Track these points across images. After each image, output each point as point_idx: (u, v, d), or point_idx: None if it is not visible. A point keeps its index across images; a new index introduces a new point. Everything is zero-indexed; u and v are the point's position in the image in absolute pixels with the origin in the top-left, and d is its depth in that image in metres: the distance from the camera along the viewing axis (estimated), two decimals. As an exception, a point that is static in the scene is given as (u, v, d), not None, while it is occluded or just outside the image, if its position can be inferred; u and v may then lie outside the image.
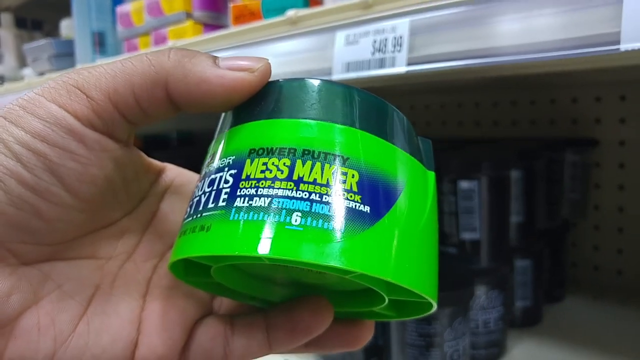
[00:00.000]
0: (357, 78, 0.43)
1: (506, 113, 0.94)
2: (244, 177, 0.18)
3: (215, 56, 0.21)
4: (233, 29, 0.60)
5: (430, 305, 0.21)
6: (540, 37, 0.33)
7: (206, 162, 0.21)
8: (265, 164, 0.18)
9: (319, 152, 0.18)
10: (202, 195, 0.19)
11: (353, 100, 0.19)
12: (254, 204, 0.17)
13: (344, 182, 0.17)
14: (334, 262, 0.16)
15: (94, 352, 0.21)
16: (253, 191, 0.18)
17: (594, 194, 0.84)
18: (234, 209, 0.18)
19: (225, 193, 0.18)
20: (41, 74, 1.12)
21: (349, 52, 0.43)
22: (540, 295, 0.71)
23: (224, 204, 0.18)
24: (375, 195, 0.18)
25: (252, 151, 0.19)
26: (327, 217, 0.17)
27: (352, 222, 0.17)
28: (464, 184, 0.59)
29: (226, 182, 0.19)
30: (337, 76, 0.44)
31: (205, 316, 0.24)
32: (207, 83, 0.20)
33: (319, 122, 0.19)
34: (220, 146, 0.21)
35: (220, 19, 0.78)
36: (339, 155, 0.18)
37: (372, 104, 0.20)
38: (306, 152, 0.18)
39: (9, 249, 0.20)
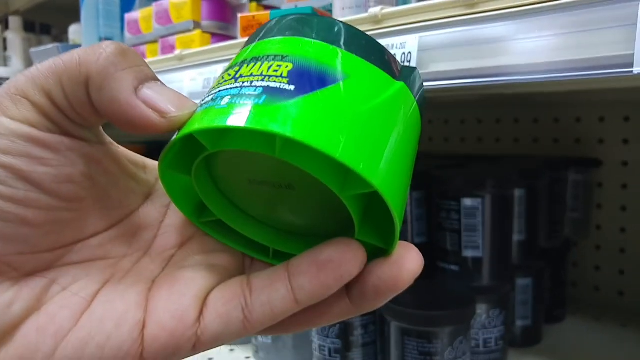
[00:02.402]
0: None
1: (509, 130, 0.94)
2: (210, 88, 0.22)
3: (147, 76, 0.20)
4: (241, 39, 0.60)
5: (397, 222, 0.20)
6: (551, 58, 0.33)
7: None
8: (222, 77, 0.22)
9: (264, 55, 0.21)
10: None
11: (307, 21, 0.22)
12: (202, 102, 0.21)
13: (276, 71, 0.20)
14: (245, 124, 0.18)
15: (99, 340, 0.20)
16: (207, 95, 0.21)
17: (596, 213, 0.84)
18: (197, 108, 0.21)
19: (201, 100, 0.22)
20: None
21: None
22: (541, 314, 0.71)
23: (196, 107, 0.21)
24: (304, 79, 0.20)
25: (220, 75, 0.22)
26: (250, 96, 0.19)
27: (273, 96, 0.19)
28: (468, 202, 0.59)
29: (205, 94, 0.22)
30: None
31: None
32: (116, 105, 0.19)
33: (274, 38, 0.22)
34: None
35: (229, 29, 0.78)
36: (278, 55, 0.21)
37: (326, 22, 0.22)
38: (254, 58, 0.21)
39: (5, 262, 0.20)
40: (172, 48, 0.78)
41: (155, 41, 0.83)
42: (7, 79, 1.46)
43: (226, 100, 0.19)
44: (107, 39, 0.97)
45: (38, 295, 0.21)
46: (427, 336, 0.52)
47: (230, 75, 0.21)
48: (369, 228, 0.22)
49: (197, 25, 0.76)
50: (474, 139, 0.99)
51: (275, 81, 0.19)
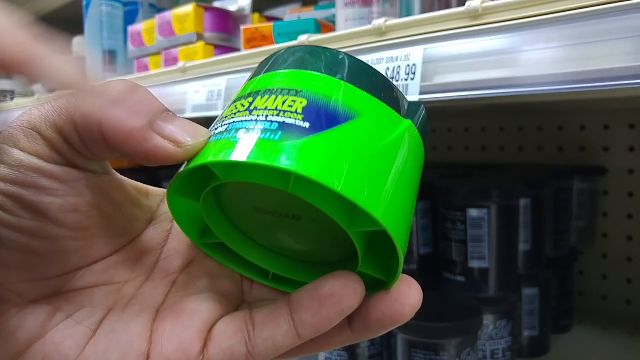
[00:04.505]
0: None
1: (513, 139, 0.94)
2: (221, 117, 0.22)
3: (159, 109, 0.21)
4: (244, 52, 0.60)
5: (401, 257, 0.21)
6: (557, 70, 0.33)
7: None
8: (235, 105, 0.22)
9: (277, 89, 0.21)
10: None
11: (317, 54, 0.23)
12: (216, 132, 0.21)
13: (291, 107, 0.20)
14: (261, 160, 0.18)
15: None
16: (219, 125, 0.21)
17: (602, 222, 0.84)
18: (210, 137, 0.21)
19: (213, 128, 0.22)
20: (51, 90, 1.12)
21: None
22: (548, 324, 0.70)
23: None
24: (318, 117, 0.20)
25: (232, 103, 0.22)
26: (266, 130, 0.19)
27: (289, 133, 0.19)
28: (474, 212, 0.58)
29: (214, 125, 0.22)
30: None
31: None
32: (132, 140, 0.20)
33: (286, 71, 0.22)
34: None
35: (232, 41, 0.78)
36: (292, 89, 0.21)
37: (338, 57, 0.23)
38: (267, 90, 0.21)
39: (11, 289, 0.20)
40: (175, 60, 0.78)
41: (158, 53, 0.83)
42: (12, 91, 1.47)
43: (241, 133, 0.20)
44: (110, 51, 0.98)
45: (42, 322, 0.21)
46: (434, 348, 0.51)
47: (244, 106, 0.21)
48: (370, 260, 0.23)
49: (200, 37, 0.76)
50: (478, 147, 0.98)
51: (290, 117, 0.20)
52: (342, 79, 0.22)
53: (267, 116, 0.20)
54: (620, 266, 0.83)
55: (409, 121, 0.23)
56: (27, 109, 0.21)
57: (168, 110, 0.21)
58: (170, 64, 0.79)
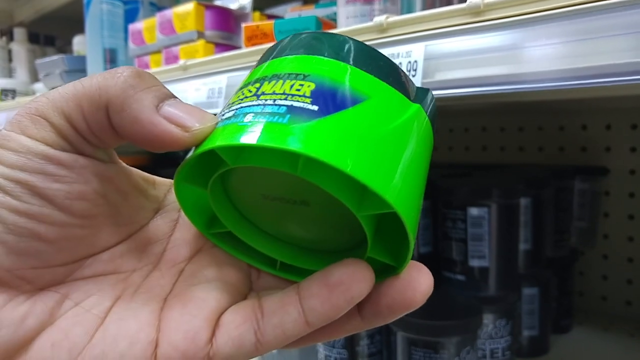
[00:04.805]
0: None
1: (513, 139, 0.94)
2: (228, 103, 0.22)
3: (166, 95, 0.21)
4: (245, 49, 0.60)
5: (408, 239, 0.21)
6: (558, 66, 0.33)
7: None
8: (242, 91, 0.22)
9: (284, 74, 0.21)
10: None
11: (324, 39, 0.23)
12: (223, 117, 0.21)
13: (299, 90, 0.20)
14: (270, 143, 0.18)
15: (112, 358, 0.21)
16: (227, 110, 0.21)
17: (603, 222, 0.83)
18: (218, 122, 0.21)
19: (220, 114, 0.22)
20: (53, 89, 1.12)
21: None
22: (548, 324, 0.70)
23: None
24: (326, 100, 0.20)
25: (239, 89, 0.22)
26: (274, 114, 0.19)
27: (297, 116, 0.19)
28: (474, 211, 0.58)
29: (221, 112, 0.22)
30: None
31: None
32: (139, 125, 0.20)
33: (292, 56, 0.22)
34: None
35: (232, 39, 0.78)
36: (300, 74, 0.21)
37: (343, 40, 0.23)
38: (274, 75, 0.21)
39: (20, 276, 0.20)
40: (176, 58, 0.78)
41: (159, 51, 0.83)
42: (13, 90, 1.47)
43: (249, 117, 0.20)
44: (111, 49, 0.98)
45: (51, 309, 0.21)
46: (433, 346, 0.51)
47: (251, 91, 0.21)
48: (379, 245, 0.22)
49: (200, 35, 0.76)
50: (479, 147, 0.98)
51: (298, 100, 0.20)
52: (350, 62, 0.22)
53: (274, 100, 0.20)
54: (621, 267, 0.83)
55: (418, 105, 0.23)
56: (35, 96, 0.22)
57: (174, 97, 0.21)
58: (171, 62, 0.79)
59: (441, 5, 0.44)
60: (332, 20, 0.61)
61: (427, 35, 0.40)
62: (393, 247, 0.23)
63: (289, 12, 0.76)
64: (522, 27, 0.35)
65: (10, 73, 1.62)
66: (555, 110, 0.87)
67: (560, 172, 0.73)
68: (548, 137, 0.89)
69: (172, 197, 0.26)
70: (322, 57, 0.22)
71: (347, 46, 0.22)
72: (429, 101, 0.24)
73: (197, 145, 0.21)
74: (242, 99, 0.21)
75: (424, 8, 0.49)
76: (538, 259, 0.68)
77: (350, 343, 0.59)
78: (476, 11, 0.37)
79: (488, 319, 0.59)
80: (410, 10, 0.50)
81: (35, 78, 1.44)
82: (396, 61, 0.41)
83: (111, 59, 0.97)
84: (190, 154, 0.21)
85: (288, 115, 0.19)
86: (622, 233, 0.82)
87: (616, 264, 0.83)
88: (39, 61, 1.17)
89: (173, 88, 0.69)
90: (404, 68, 0.40)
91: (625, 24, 0.30)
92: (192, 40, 0.77)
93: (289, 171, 0.20)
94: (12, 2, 1.70)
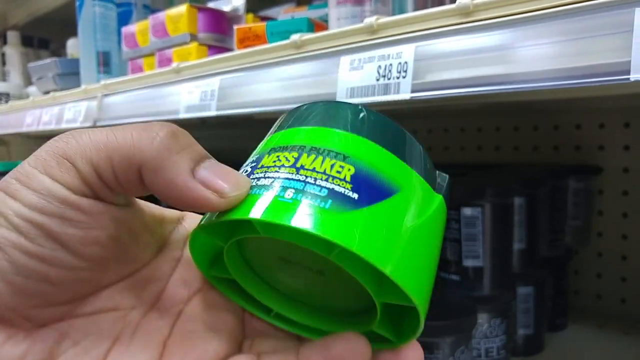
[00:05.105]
0: (360, 104, 0.42)
1: (508, 138, 0.94)
2: (259, 166, 0.21)
3: (201, 156, 0.21)
4: (238, 51, 0.60)
5: (418, 321, 0.21)
6: (548, 65, 0.33)
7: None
8: (278, 156, 0.21)
9: (324, 149, 0.21)
10: None
11: (361, 115, 0.23)
12: (259, 183, 0.20)
13: (339, 172, 0.20)
14: (315, 230, 0.18)
15: None
16: (262, 175, 0.21)
17: (597, 221, 0.84)
18: (251, 188, 0.21)
19: (249, 173, 0.21)
20: (46, 92, 1.12)
21: (353, 77, 0.43)
22: (543, 323, 0.70)
23: None
24: (365, 188, 0.20)
25: (272, 149, 0.22)
26: (316, 196, 0.19)
27: (339, 203, 0.19)
28: (468, 211, 0.58)
29: (245, 172, 0.22)
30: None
31: (232, 355, 0.23)
32: (174, 188, 0.20)
33: (327, 128, 0.22)
34: (255, 149, 0.24)
35: (225, 41, 0.78)
36: (340, 153, 0.21)
37: (381, 121, 0.23)
38: (313, 148, 0.21)
39: (22, 315, 0.20)
40: (169, 61, 0.78)
41: (152, 54, 0.83)
42: (7, 93, 1.47)
43: (290, 194, 0.20)
44: (104, 52, 0.97)
45: (50, 349, 0.21)
46: (428, 346, 0.51)
47: (288, 160, 0.21)
48: (383, 318, 0.23)
49: (193, 37, 0.76)
50: (474, 147, 0.98)
51: (339, 185, 0.20)
52: (387, 148, 0.22)
53: (315, 180, 0.20)
54: (615, 265, 0.83)
55: (441, 197, 0.23)
56: (61, 135, 0.21)
57: (209, 157, 0.21)
58: (164, 64, 0.78)
59: (433, 6, 0.44)
60: (325, 22, 0.61)
61: (417, 36, 0.40)
62: (395, 321, 0.23)
63: (282, 13, 0.76)
64: (511, 27, 0.35)
65: (3, 76, 1.61)
66: (550, 110, 0.88)
67: (554, 172, 0.73)
68: (543, 136, 0.90)
69: (177, 235, 0.26)
70: (362, 138, 0.22)
71: (385, 127, 0.23)
72: (447, 188, 0.24)
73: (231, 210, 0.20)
74: (278, 167, 0.21)
75: (416, 10, 0.49)
76: (533, 258, 0.68)
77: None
78: (465, 12, 0.37)
79: (483, 319, 0.59)
80: (402, 11, 0.50)
81: (29, 81, 1.43)
82: (386, 62, 0.41)
83: (104, 62, 0.97)
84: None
85: (330, 200, 0.19)
86: (616, 231, 0.82)
87: (610, 262, 0.83)
88: (31, 64, 1.17)
89: (166, 91, 0.68)
90: (394, 69, 0.40)
91: (612, 24, 0.30)
92: (185, 43, 0.76)
93: (322, 254, 0.20)
94: (5, 4, 1.69)
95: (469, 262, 0.60)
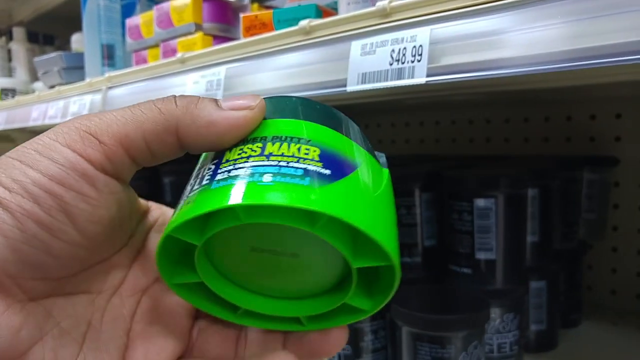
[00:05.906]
0: (373, 89, 0.41)
1: (518, 130, 0.92)
2: (224, 161, 0.22)
3: (213, 98, 0.23)
4: (243, 39, 0.59)
5: (394, 275, 0.23)
6: (566, 46, 0.31)
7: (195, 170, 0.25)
8: (242, 149, 0.22)
9: (286, 137, 0.22)
10: (188, 186, 0.23)
11: (307, 104, 0.25)
12: (231, 174, 0.21)
13: (307, 154, 0.22)
14: (304, 204, 0.19)
15: None
16: (232, 167, 0.22)
17: (612, 214, 0.82)
18: (214, 182, 0.21)
19: (208, 175, 0.22)
20: (52, 87, 1.11)
21: (365, 62, 0.41)
22: (556, 318, 0.69)
23: (207, 182, 0.22)
24: (334, 165, 0.22)
25: (232, 146, 0.23)
26: (294, 175, 0.20)
27: (316, 179, 0.21)
28: (481, 202, 0.57)
29: (209, 169, 0.23)
30: (351, 88, 0.42)
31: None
32: (215, 125, 0.22)
33: (283, 119, 0.24)
34: (201, 157, 0.26)
35: (231, 31, 0.77)
36: (302, 138, 0.22)
37: (325, 108, 0.25)
38: (275, 137, 0.23)
39: (19, 284, 0.21)
40: (173, 52, 0.76)
41: (156, 45, 0.82)
42: (13, 89, 1.46)
43: (268, 177, 0.21)
44: (108, 45, 0.96)
45: (40, 324, 0.21)
46: (440, 341, 0.50)
47: (254, 150, 0.22)
48: (355, 292, 0.24)
49: (198, 27, 0.75)
50: (483, 139, 0.97)
51: (311, 164, 0.21)
52: (339, 131, 0.24)
53: (288, 162, 0.21)
54: (631, 260, 0.81)
55: (387, 171, 0.25)
56: (79, 116, 0.22)
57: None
58: (168, 55, 0.77)
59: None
60: (333, 9, 0.60)
61: (432, 18, 0.38)
62: (366, 292, 0.25)
63: (289, 2, 0.75)
64: (528, 6, 0.34)
65: (9, 72, 1.61)
66: (563, 100, 0.86)
67: (568, 163, 0.72)
68: (555, 127, 0.88)
69: (141, 227, 0.27)
70: (316, 124, 0.24)
71: (330, 113, 0.25)
72: (387, 163, 0.26)
73: (202, 203, 0.21)
74: (246, 158, 0.22)
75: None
76: (546, 252, 0.66)
77: (355, 338, 0.58)
78: (483, -9, 0.36)
79: (495, 313, 0.58)
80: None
81: (34, 77, 1.43)
82: (400, 46, 0.39)
83: (109, 55, 0.96)
84: (184, 206, 0.21)
85: (308, 178, 0.21)
86: (633, 225, 0.81)
87: (626, 257, 0.82)
88: (37, 59, 1.16)
89: (171, 82, 0.67)
90: (408, 53, 0.39)
91: (630, 2, 0.29)
92: (190, 33, 0.75)
93: (306, 229, 0.21)
94: (10, 1, 1.69)
95: (481, 255, 0.58)
